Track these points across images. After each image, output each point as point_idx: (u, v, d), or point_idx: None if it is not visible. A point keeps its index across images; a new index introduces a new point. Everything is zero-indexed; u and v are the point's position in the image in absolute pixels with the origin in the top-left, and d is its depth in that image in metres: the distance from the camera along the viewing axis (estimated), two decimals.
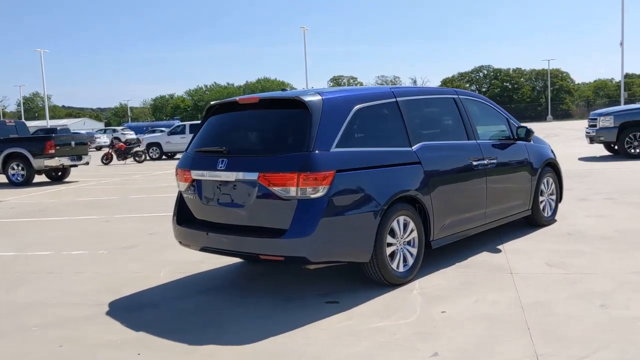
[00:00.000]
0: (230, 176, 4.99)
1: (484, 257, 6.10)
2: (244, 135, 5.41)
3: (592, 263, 5.66)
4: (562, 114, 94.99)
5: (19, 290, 5.85)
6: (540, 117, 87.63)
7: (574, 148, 20.49)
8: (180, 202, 5.61)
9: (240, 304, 5.07)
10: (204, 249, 5.37)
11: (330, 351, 3.97)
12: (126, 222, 9.72)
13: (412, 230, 5.34)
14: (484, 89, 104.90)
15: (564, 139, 28.23)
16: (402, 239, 5.28)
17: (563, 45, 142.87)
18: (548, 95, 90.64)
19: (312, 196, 4.66)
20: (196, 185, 5.34)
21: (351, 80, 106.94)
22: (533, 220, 7.30)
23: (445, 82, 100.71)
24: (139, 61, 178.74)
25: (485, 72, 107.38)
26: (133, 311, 5.02)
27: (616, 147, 16.44)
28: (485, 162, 6.21)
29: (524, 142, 7.02)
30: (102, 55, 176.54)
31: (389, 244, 5.14)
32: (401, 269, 5.26)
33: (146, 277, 6.03)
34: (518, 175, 6.85)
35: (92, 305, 5.21)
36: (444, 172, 5.69)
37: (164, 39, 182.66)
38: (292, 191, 4.67)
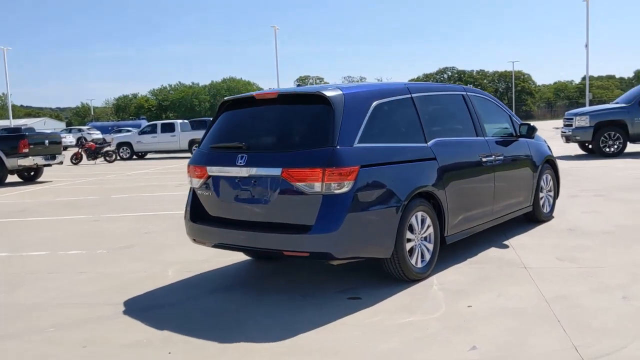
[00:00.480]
0: (251, 172, 4.92)
1: (493, 252, 6.15)
2: (264, 130, 5.34)
3: (600, 257, 5.76)
4: (524, 115, 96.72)
5: (21, 291, 5.67)
6: None
7: None
8: (193, 199, 5.51)
9: (259, 302, 4.99)
10: (220, 246, 5.29)
11: (365, 347, 3.94)
12: (116, 221, 9.51)
13: (428, 226, 5.36)
14: None
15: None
16: (420, 234, 5.28)
17: (526, 47, 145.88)
18: (513, 96, 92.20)
19: (337, 192, 4.62)
20: (212, 181, 5.25)
21: (317, 81, 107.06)
22: (533, 217, 7.39)
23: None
24: (99, 60, 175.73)
25: (450, 73, 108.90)
26: (151, 311, 4.91)
27: (591, 146, 16.82)
28: (492, 158, 6.27)
29: (526, 139, 7.10)
30: (60, 54, 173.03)
31: (408, 240, 5.14)
32: (419, 265, 5.27)
33: (153, 277, 5.91)
34: (522, 172, 6.93)
35: (105, 305, 5.08)
36: (457, 168, 5.72)
37: (124, 37, 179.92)
38: (317, 187, 4.63)
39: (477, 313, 4.44)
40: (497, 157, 6.34)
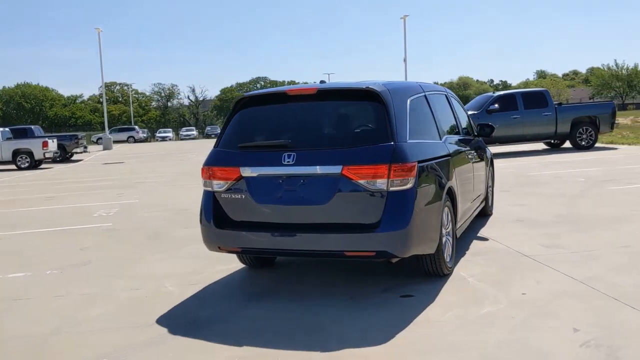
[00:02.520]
0: (302, 171, 4.66)
1: (481, 245, 6.47)
2: (305, 128, 5.06)
3: (579, 243, 6.33)
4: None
5: (6, 321, 4.76)
6: None
7: None
8: (215, 203, 5.06)
9: (308, 308, 4.72)
10: (259, 252, 4.94)
11: (475, 339, 3.93)
12: (22, 239, 8.30)
13: (449, 221, 5.50)
14: None
15: None
16: (446, 229, 5.40)
17: (338, 59, 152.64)
18: None
19: (402, 188, 4.57)
20: (246, 183, 4.86)
21: (125, 87, 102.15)
22: (484, 211, 7.89)
23: (224, 91, 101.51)
24: None
25: (263, 83, 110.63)
26: (203, 328, 4.41)
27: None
28: (472, 155, 6.63)
29: (480, 138, 7.57)
30: None
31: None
32: (448, 259, 5.38)
33: (156, 293, 5.31)
34: (483, 168, 7.38)
35: (139, 328, 4.46)
36: (459, 164, 5.95)
37: None
38: (381, 183, 4.53)
39: (540, 299, 4.65)
40: (473, 154, 6.70)
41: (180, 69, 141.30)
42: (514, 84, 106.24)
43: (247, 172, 4.85)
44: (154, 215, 9.74)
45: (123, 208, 10.71)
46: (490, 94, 18.78)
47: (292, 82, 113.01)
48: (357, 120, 4.92)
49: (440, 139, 5.60)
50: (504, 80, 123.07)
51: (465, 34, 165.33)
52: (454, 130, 6.43)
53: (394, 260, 4.84)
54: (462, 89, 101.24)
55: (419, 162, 4.76)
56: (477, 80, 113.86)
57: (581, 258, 5.73)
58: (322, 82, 5.35)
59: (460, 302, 4.68)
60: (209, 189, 5.10)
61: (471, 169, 6.49)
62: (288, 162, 4.69)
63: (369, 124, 4.82)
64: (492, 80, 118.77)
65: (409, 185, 4.59)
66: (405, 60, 43.21)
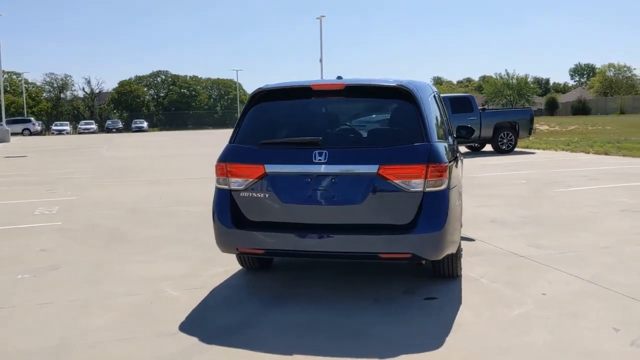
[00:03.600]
0: (335, 170, 4.47)
1: (473, 245, 6.53)
2: (335, 124, 4.85)
3: (562, 243, 6.54)
4: (235, 122, 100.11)
5: (6, 332, 4.23)
6: (223, 125, 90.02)
7: None
8: (232, 202, 4.75)
9: (335, 313, 4.53)
10: (283, 254, 4.69)
11: (530, 341, 3.93)
12: None
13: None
14: (162, 94, 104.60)
15: None
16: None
17: (244, 55, 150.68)
18: (238, 105, 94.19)
19: (437, 189, 4.49)
20: (270, 181, 4.60)
21: (14, 77, 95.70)
22: None
23: (122, 84, 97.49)
24: None
25: (164, 77, 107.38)
26: (234, 335, 4.12)
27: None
28: (460, 156, 6.68)
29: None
30: None
31: None
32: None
33: (159, 298, 4.93)
34: (461, 170, 7.46)
35: (161, 337, 4.11)
36: (457, 165, 5.95)
37: None
38: (418, 184, 4.43)
39: (562, 299, 4.72)
40: (460, 155, 6.76)
41: (75, 59, 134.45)
42: None
43: (273, 169, 4.58)
44: (104, 214, 9.10)
45: (64, 206, 9.94)
46: None
47: (194, 77, 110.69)
48: (388, 118, 4.79)
49: (448, 140, 5.59)
50: None
51: (373, 37, 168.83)
52: (449, 131, 6.45)
53: (423, 262, 4.76)
54: None
55: (449, 161, 4.72)
56: None
57: (573, 258, 5.91)
58: (339, 77, 5.17)
59: (486, 304, 4.67)
60: (225, 186, 4.78)
61: (460, 170, 6.53)
62: (319, 160, 4.48)
63: (400, 122, 4.69)
64: None
65: (443, 186, 4.52)
66: (321, 60, 43.57)
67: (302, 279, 5.46)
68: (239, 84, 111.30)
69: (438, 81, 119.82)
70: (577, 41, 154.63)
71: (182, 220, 8.36)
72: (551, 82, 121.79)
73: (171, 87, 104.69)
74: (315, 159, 4.49)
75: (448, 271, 5.16)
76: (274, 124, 4.95)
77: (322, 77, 48.53)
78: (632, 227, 7.33)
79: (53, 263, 6.13)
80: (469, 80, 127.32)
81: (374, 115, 4.90)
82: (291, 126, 4.92)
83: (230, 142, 4.89)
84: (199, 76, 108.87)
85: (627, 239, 6.65)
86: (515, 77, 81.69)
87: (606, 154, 18.09)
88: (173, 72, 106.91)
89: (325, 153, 4.48)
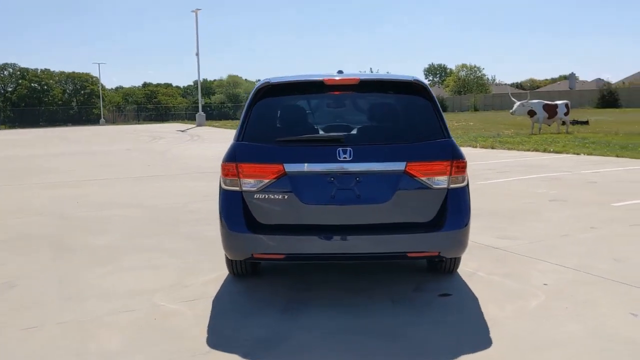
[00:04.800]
0: (360, 167, 4.31)
1: None
2: (355, 120, 4.67)
3: (525, 234, 6.82)
4: (95, 119, 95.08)
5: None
6: (74, 121, 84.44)
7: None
8: (244, 204, 4.44)
9: (358, 316, 4.39)
10: (309, 258, 4.44)
11: (564, 331, 4.04)
12: None
13: None
14: (10, 89, 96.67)
15: (186, 140, 29.10)
16: None
17: (103, 52, 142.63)
18: (100, 99, 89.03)
19: (460, 185, 4.50)
20: (290, 181, 4.34)
21: None
22: None
23: None
24: None
25: (11, 70, 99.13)
26: (272, 349, 3.86)
27: None
28: None
29: None
30: None
31: None
32: None
33: (160, 314, 4.50)
34: None
35: (198, 357, 3.74)
36: None
37: None
38: (443, 180, 4.41)
39: (564, 289, 4.90)
40: None
41: None
42: None
43: (294, 169, 4.33)
44: (30, 221, 8.18)
45: None
46: None
47: (47, 71, 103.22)
48: (405, 114, 4.67)
49: None
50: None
51: (238, 31, 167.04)
52: None
53: (444, 259, 4.74)
54: (232, 88, 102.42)
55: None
56: (246, 80, 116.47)
57: (545, 248, 6.18)
58: (339, 72, 5.00)
59: (501, 298, 4.74)
60: (235, 188, 4.45)
61: None
62: (344, 158, 4.30)
63: (419, 118, 4.61)
64: (259, 80, 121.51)
65: (465, 182, 4.53)
66: (197, 54, 42.33)
67: (301, 282, 5.23)
68: (97, 78, 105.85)
69: None
70: (430, 42, 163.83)
71: (123, 225, 7.72)
72: None
73: (20, 81, 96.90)
74: (340, 157, 4.30)
75: (451, 267, 5.19)
76: (287, 121, 4.69)
77: (198, 72, 47.49)
78: (571, 215, 7.82)
79: (4, 281, 5.40)
80: None
81: (392, 111, 4.76)
82: (307, 123, 4.69)
83: (237, 140, 4.56)
84: (52, 69, 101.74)
85: (577, 227, 7.08)
86: None
87: (492, 147, 19.24)
88: (22, 65, 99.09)
89: (350, 150, 4.31)
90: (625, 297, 4.68)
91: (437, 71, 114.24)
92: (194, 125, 41.01)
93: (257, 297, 4.87)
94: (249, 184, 4.39)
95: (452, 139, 4.55)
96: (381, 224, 4.39)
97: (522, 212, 8.14)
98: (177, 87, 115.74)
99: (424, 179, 4.35)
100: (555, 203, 8.76)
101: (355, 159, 4.30)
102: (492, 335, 4.01)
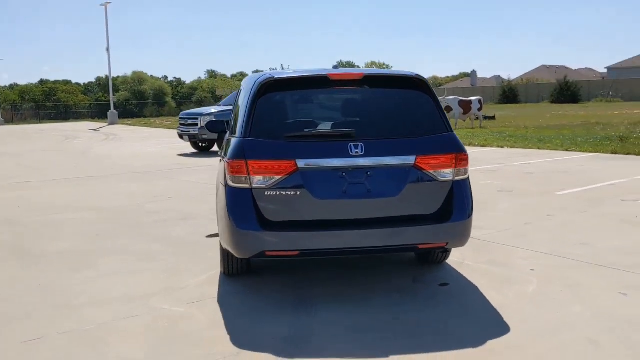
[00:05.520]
0: (372, 162, 4.35)
1: None
2: (363, 115, 4.65)
3: (488, 223, 7.09)
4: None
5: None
6: None
7: (150, 147, 20.87)
8: (254, 201, 4.36)
9: (373, 310, 4.44)
10: (323, 253, 4.44)
11: (570, 313, 4.27)
12: None
13: None
14: None
15: (102, 140, 27.86)
16: None
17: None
18: None
19: (463, 177, 4.63)
20: (302, 177, 4.32)
21: None
22: None
23: None
24: None
25: None
26: (303, 345, 3.86)
27: (203, 145, 18.15)
28: None
29: None
30: None
31: None
32: None
33: (167, 318, 4.35)
34: None
35: (232, 359, 3.66)
36: None
37: None
38: (449, 173, 4.53)
39: (551, 274, 5.17)
40: None
41: None
42: (187, 81, 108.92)
43: (306, 164, 4.30)
44: None
45: None
46: None
47: None
48: (410, 108, 4.73)
49: None
50: (177, 77, 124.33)
51: (145, 26, 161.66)
52: None
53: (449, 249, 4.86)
54: (138, 84, 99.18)
55: None
56: (152, 76, 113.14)
57: (515, 236, 6.49)
58: (335, 67, 5.00)
59: (497, 284, 4.94)
60: (244, 185, 4.37)
61: None
62: (356, 153, 4.32)
63: (422, 112, 4.69)
64: (166, 77, 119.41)
65: (467, 175, 4.67)
66: (108, 49, 40.61)
67: (301, 279, 5.19)
68: None
69: (212, 74, 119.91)
70: (339, 40, 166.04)
71: (82, 229, 7.35)
72: None
73: None
74: (352, 152, 4.32)
75: (443, 257, 5.34)
76: (294, 116, 4.65)
77: (109, 68, 45.74)
78: (524, 205, 8.24)
79: None
80: (242, 74, 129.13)
81: (396, 106, 4.80)
82: (314, 118, 4.67)
83: (242, 136, 4.47)
84: None
85: (535, 216, 7.47)
86: None
87: None
88: None
89: (361, 145, 4.34)
90: (610, 279, 4.99)
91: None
92: (105, 124, 39.43)
93: (262, 295, 4.81)
94: (260, 180, 4.32)
95: (454, 132, 4.68)
96: (391, 217, 4.45)
97: (477, 202, 8.42)
98: (78, 84, 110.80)
99: (432, 172, 4.45)
100: (504, 194, 9.18)
101: (367, 154, 4.33)
102: (506, 320, 4.17)
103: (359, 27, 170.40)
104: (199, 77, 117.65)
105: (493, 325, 4.10)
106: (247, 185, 4.35)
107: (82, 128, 35.83)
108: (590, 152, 14.44)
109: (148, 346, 3.85)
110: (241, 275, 5.20)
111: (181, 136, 18.17)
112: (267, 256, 4.43)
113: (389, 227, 4.39)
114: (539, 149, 15.62)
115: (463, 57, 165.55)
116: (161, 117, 51.61)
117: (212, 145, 18.38)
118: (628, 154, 13.75)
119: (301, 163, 4.29)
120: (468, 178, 4.68)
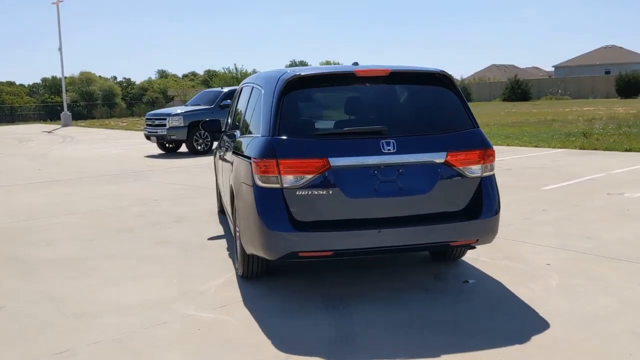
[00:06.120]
0: (404, 159, 4.29)
1: None
2: (392, 112, 4.58)
3: None
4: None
5: None
6: None
7: (112, 149, 20.25)
8: (285, 201, 4.25)
9: (409, 309, 4.40)
10: (357, 253, 4.35)
11: (601, 305, 4.32)
12: None
13: None
14: None
15: (60, 142, 26.90)
16: None
17: None
18: None
19: (490, 173, 4.63)
20: (334, 175, 4.22)
21: None
22: None
23: None
24: None
25: None
26: (349, 345, 3.76)
27: (170, 145, 17.76)
28: None
29: None
30: None
31: None
32: None
33: (195, 323, 4.19)
34: None
35: None
36: None
37: None
38: (478, 169, 4.51)
39: (569, 267, 5.24)
40: None
41: None
42: (137, 82, 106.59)
43: (339, 163, 4.21)
44: None
45: None
46: (219, 89, 18.79)
47: None
48: (437, 104, 4.69)
49: None
50: (127, 77, 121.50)
51: (92, 25, 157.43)
52: None
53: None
54: (86, 85, 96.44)
55: None
56: (100, 77, 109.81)
57: (519, 231, 6.54)
58: (354, 63, 4.93)
59: (519, 279, 4.94)
60: (274, 185, 4.24)
61: None
62: (388, 150, 4.26)
63: (448, 108, 4.65)
64: (115, 77, 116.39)
65: (493, 171, 4.67)
66: (60, 49, 39.27)
67: (322, 280, 5.10)
68: None
69: (163, 74, 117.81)
70: (292, 39, 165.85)
71: (71, 234, 7.05)
72: None
73: None
74: (384, 149, 4.25)
75: (460, 253, 5.33)
76: (321, 113, 4.56)
77: (62, 68, 44.29)
78: (515, 200, 8.31)
79: None
80: (194, 74, 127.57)
81: (423, 102, 4.75)
82: (343, 115, 4.58)
83: (268, 135, 4.33)
84: None
85: (531, 210, 7.57)
86: (242, 72, 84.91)
87: None
88: None
89: (393, 142, 4.27)
90: (626, 270, 5.07)
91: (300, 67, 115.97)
92: (59, 126, 38.13)
93: (289, 297, 4.69)
94: (291, 179, 4.21)
95: (480, 128, 4.66)
96: (423, 215, 4.40)
97: None
98: (22, 85, 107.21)
99: (461, 168, 4.43)
100: None
101: (399, 151, 4.27)
102: (541, 314, 4.17)
103: (312, 26, 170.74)
104: (150, 77, 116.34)
105: (531, 319, 4.10)
106: (277, 185, 4.23)
107: (34, 130, 34.64)
108: (559, 147, 14.78)
109: (192, 354, 3.69)
110: (259, 277, 5.06)
111: (148, 137, 17.74)
112: (299, 257, 4.31)
113: (422, 225, 4.34)
114: (508, 145, 15.88)
115: (413, 56, 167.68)
116: (113, 118, 50.39)
117: (180, 146, 18.03)
118: (595, 149, 14.14)
119: (334, 161, 4.20)
120: (494, 174, 4.67)
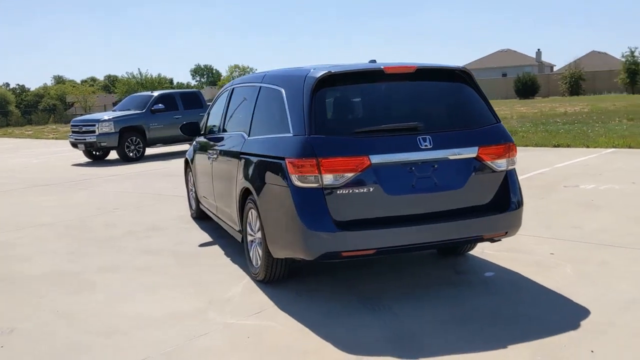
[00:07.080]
0: (440, 155, 4.32)
1: None
2: (420, 108, 4.58)
3: None
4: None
5: None
6: None
7: (29, 158, 18.98)
8: (326, 201, 4.15)
9: (443, 304, 4.42)
10: (399, 250, 4.31)
11: (619, 290, 4.52)
12: None
13: None
14: None
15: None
16: None
17: None
18: None
19: (513, 167, 4.74)
20: (374, 173, 4.18)
21: None
22: None
23: None
24: None
25: None
26: (412, 343, 3.73)
27: (98, 153, 16.97)
28: None
29: None
30: None
31: None
32: None
33: (240, 331, 4.02)
34: None
35: None
36: None
37: None
38: (504, 163, 4.61)
39: (574, 255, 5.43)
40: None
41: None
42: (32, 88, 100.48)
43: (379, 160, 4.16)
44: None
45: None
46: (149, 93, 18.09)
47: None
48: (462, 100, 4.73)
49: None
50: (21, 84, 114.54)
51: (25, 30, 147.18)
52: None
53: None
54: None
55: None
56: None
57: None
58: (372, 61, 4.89)
59: (535, 270, 5.08)
60: (314, 185, 4.14)
61: None
62: (425, 146, 4.27)
63: (473, 104, 4.70)
64: (7, 84, 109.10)
65: (515, 165, 4.78)
66: None
67: (346, 279, 5.02)
68: None
69: (59, 80, 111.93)
70: (196, 44, 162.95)
71: (47, 248, 6.55)
72: (175, 82, 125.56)
73: None
74: (421, 145, 4.26)
75: (469, 248, 5.43)
76: (355, 111, 4.49)
77: None
78: None
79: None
80: (93, 79, 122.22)
81: (449, 98, 4.77)
82: (376, 112, 4.55)
83: (304, 134, 4.22)
84: None
85: None
86: (147, 76, 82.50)
87: None
88: None
89: (429, 138, 4.29)
90: (628, 257, 5.32)
91: (204, 72, 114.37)
92: None
93: (324, 299, 4.58)
94: (332, 178, 4.12)
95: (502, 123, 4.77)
96: (457, 209, 4.44)
97: None
98: None
99: (490, 162, 4.51)
100: None
101: (435, 147, 4.29)
102: (576, 301, 4.30)
103: (220, 30, 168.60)
104: (45, 84, 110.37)
105: (568, 307, 4.21)
106: (317, 185, 4.13)
107: None
108: None
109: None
110: (279, 281, 4.92)
111: (74, 145, 16.84)
112: (342, 257, 4.23)
113: (457, 220, 4.38)
114: None
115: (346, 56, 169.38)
116: (9, 126, 47.47)
117: (108, 154, 17.25)
118: (526, 145, 14.82)
119: (374, 158, 4.15)
120: (514, 169, 4.79)
